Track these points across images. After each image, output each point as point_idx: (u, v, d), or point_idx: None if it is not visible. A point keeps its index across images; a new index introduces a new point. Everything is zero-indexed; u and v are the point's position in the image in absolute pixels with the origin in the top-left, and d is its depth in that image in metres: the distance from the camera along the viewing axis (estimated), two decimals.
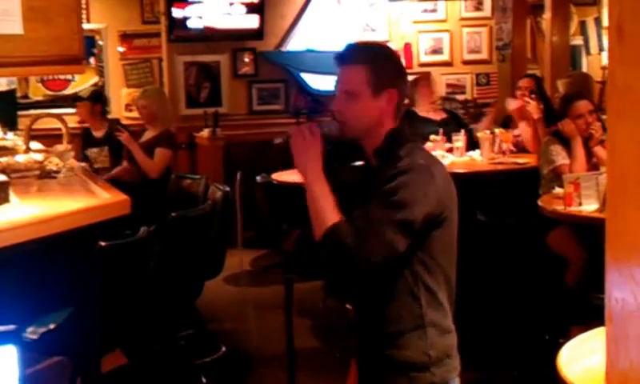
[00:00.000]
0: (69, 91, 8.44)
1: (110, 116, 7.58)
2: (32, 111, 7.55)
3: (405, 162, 2.10)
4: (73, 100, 7.61)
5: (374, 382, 2.25)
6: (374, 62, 2.16)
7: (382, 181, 2.09)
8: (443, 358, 2.18)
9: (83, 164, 5.22)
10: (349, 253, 2.02)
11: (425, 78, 6.43)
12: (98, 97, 6.88)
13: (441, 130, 5.93)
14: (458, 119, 6.62)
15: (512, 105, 6.12)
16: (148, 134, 5.61)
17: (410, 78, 5.80)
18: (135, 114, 6.06)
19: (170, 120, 5.80)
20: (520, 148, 6.02)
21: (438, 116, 6.28)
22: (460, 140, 5.92)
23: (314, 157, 2.12)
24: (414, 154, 2.15)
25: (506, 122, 6.31)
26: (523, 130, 6.01)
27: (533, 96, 5.88)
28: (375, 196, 2.08)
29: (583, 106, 4.77)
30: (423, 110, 6.18)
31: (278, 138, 2.17)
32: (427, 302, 2.15)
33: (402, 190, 2.05)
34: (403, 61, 6.49)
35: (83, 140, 6.41)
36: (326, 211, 2.07)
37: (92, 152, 6.42)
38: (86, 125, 6.63)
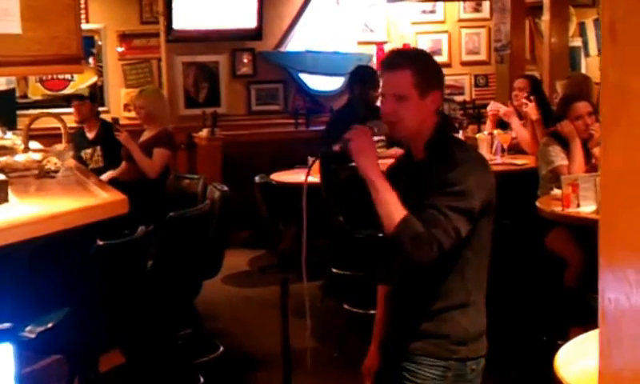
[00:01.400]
0: (68, 91, 8.42)
1: (110, 116, 7.57)
2: (31, 111, 7.52)
3: (461, 155, 2.28)
4: (71, 99, 7.58)
5: (409, 355, 2.34)
6: (419, 66, 2.32)
7: (439, 172, 2.24)
8: (478, 337, 2.35)
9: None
10: (423, 242, 2.16)
11: None
12: (96, 97, 6.85)
13: None
14: None
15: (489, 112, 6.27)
16: (146, 134, 5.60)
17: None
18: (134, 113, 6.05)
19: (168, 120, 5.78)
20: (516, 149, 6.03)
21: None
22: None
23: (373, 157, 2.25)
24: (466, 147, 2.38)
25: (505, 123, 6.31)
26: (517, 130, 6.03)
27: (531, 98, 5.89)
28: (437, 186, 2.22)
29: (582, 107, 4.77)
30: None
31: (336, 144, 2.25)
32: (473, 283, 2.34)
33: (464, 181, 2.21)
34: None
35: (76, 141, 6.31)
36: (393, 206, 2.20)
37: (86, 153, 6.41)
38: (83, 125, 6.60)
